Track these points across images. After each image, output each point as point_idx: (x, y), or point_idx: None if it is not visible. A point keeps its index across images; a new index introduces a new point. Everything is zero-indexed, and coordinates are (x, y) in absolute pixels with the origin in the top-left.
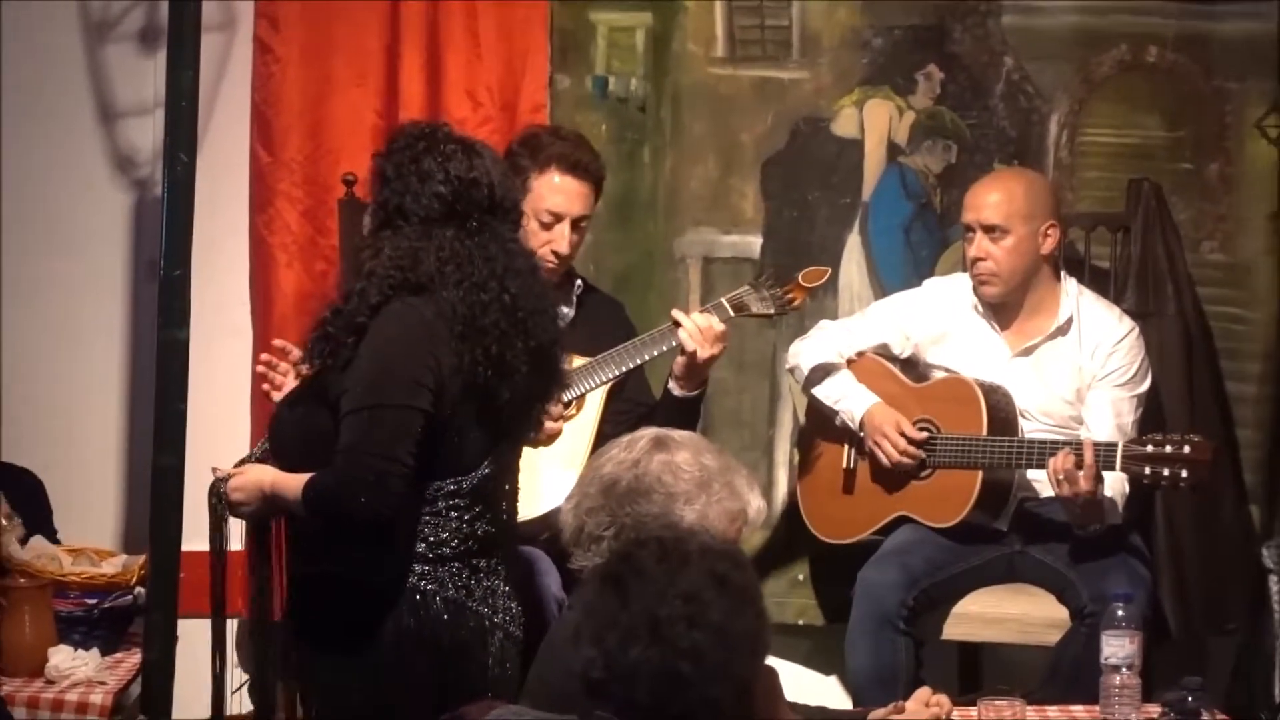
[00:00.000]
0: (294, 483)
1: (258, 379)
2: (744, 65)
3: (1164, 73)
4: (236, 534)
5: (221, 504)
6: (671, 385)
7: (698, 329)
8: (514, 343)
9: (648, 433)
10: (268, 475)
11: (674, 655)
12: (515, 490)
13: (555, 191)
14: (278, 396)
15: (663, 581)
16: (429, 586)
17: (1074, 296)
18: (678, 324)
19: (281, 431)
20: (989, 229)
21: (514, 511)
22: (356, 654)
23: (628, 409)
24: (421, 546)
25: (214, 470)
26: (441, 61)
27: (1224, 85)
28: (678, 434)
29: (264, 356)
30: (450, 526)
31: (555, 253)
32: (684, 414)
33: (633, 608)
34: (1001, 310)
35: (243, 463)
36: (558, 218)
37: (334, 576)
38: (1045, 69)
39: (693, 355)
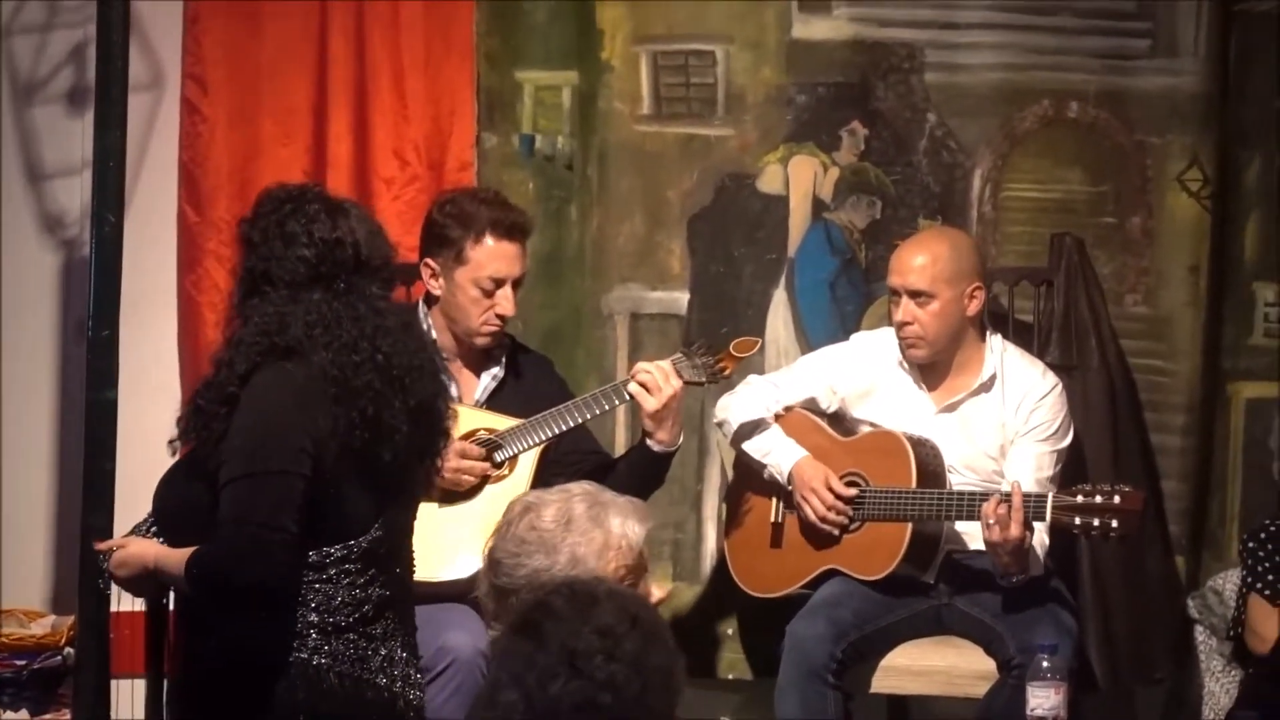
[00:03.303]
0: (177, 558)
1: None
2: (670, 123)
3: (1086, 128)
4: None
5: (105, 579)
6: (650, 443)
7: (652, 376)
8: (391, 402)
9: (523, 498)
10: (150, 550)
11: (594, 688)
12: (410, 551)
13: (495, 258)
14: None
15: (576, 620)
16: (322, 661)
17: (998, 353)
18: (644, 385)
19: (163, 508)
20: (914, 294)
21: (410, 573)
22: None
23: (576, 459)
24: (314, 617)
25: (95, 544)
26: (369, 121)
27: (1145, 140)
28: (557, 491)
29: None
30: (342, 594)
31: (500, 316)
32: (655, 467)
33: (549, 646)
34: (927, 369)
35: (132, 533)
36: (499, 283)
37: (223, 651)
38: (968, 125)
39: (660, 398)
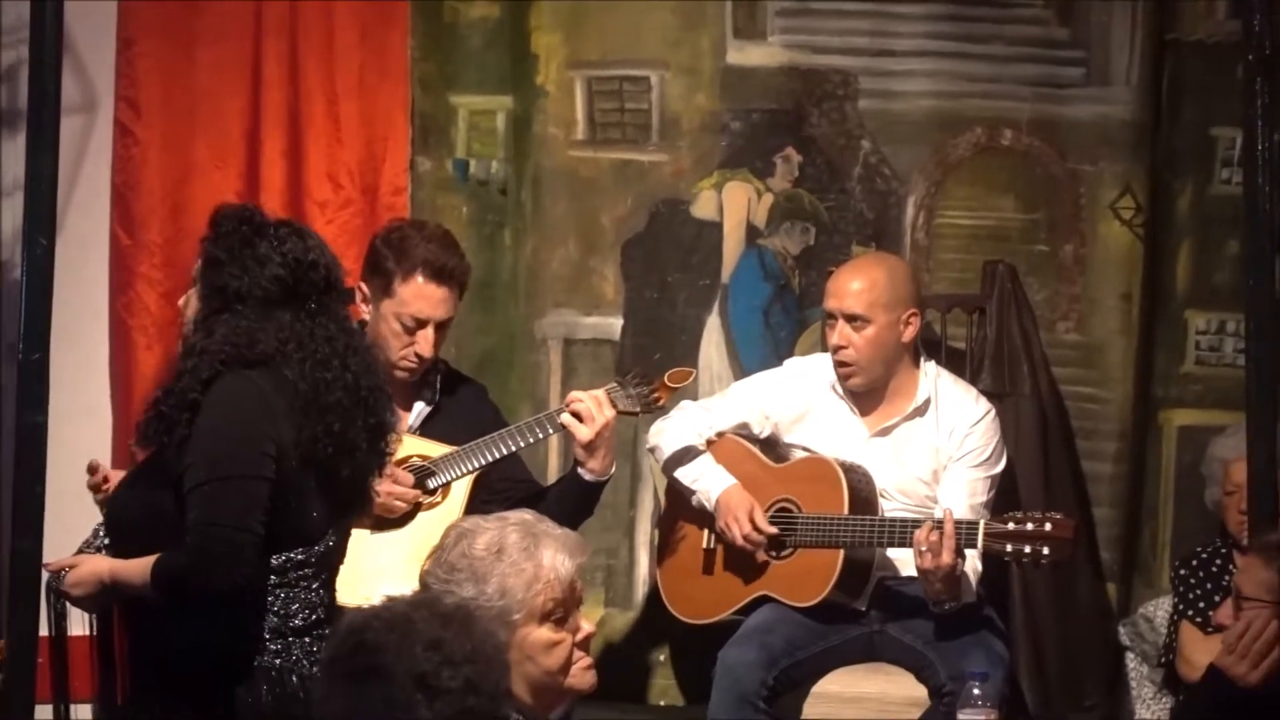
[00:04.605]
0: (137, 568)
1: (122, 460)
2: (604, 148)
3: (1019, 156)
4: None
5: (59, 600)
6: (582, 472)
7: (586, 405)
8: (355, 420)
9: (460, 524)
10: (104, 565)
11: (458, 696)
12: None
13: (419, 298)
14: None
15: (403, 644)
16: (283, 663)
17: (932, 378)
18: (578, 414)
19: (123, 516)
20: (850, 318)
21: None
22: None
23: (505, 488)
24: (274, 620)
25: (45, 566)
26: (303, 145)
27: (1078, 168)
28: (495, 519)
29: (90, 481)
30: (300, 598)
31: (418, 354)
32: (586, 496)
33: (397, 680)
34: (861, 394)
35: (80, 552)
36: (421, 324)
37: (183, 657)
38: (902, 152)
39: (593, 427)
